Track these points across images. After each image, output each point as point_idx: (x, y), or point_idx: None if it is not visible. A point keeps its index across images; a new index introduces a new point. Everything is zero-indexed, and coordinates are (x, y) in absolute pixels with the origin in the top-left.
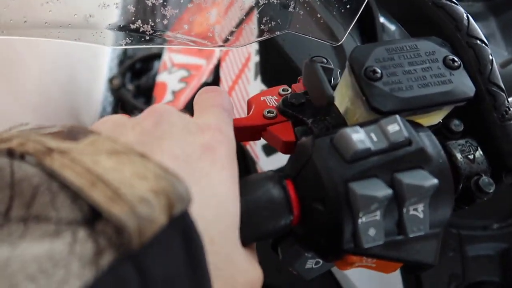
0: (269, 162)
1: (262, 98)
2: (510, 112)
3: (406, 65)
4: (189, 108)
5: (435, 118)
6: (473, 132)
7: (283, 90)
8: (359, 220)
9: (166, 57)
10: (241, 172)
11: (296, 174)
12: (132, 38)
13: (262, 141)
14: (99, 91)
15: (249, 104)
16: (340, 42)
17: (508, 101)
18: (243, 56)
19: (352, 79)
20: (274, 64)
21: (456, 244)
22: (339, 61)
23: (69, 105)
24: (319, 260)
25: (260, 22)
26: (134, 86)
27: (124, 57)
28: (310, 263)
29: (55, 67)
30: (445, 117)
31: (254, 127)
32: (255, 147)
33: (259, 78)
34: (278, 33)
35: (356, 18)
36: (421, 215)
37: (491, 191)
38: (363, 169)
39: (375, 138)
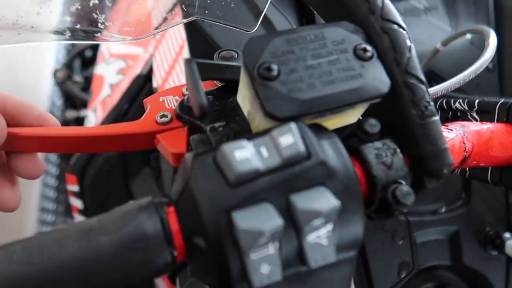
0: None
1: (161, 99)
2: (430, 107)
3: (309, 58)
4: (124, 101)
5: (349, 117)
6: (392, 132)
7: (187, 89)
8: (247, 258)
9: (103, 47)
10: None
11: (177, 200)
12: (70, 35)
13: None
14: (45, 85)
15: (145, 105)
16: (254, 30)
17: (428, 94)
18: (177, 44)
19: (247, 78)
20: (203, 53)
21: (405, 231)
22: None
23: None
24: None
25: (163, 10)
26: (83, 77)
27: (72, 46)
28: None
29: None
30: (363, 115)
31: (143, 134)
32: None
33: None
34: (185, 20)
35: (268, 3)
36: (325, 242)
37: (409, 202)
38: (251, 193)
39: (265, 154)
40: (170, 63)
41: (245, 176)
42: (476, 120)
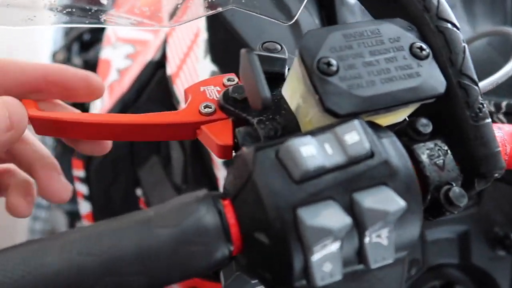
0: None
1: (202, 89)
2: (484, 110)
3: (367, 55)
4: (135, 89)
5: (400, 116)
6: (443, 133)
7: (228, 80)
8: (311, 255)
9: (109, 30)
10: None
11: (235, 194)
12: (104, 19)
13: None
14: None
15: (186, 94)
16: (292, 22)
17: (481, 96)
18: (192, 32)
19: (303, 72)
20: (223, 43)
21: None
22: (296, 41)
23: None
24: None
25: None
26: (82, 60)
27: (70, 28)
28: None
29: None
30: (411, 114)
31: (186, 124)
32: None
33: (208, 57)
34: (221, 9)
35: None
36: (385, 242)
37: (462, 204)
38: (316, 190)
39: (330, 151)
40: (185, 51)
41: (311, 173)
42: (503, 122)
